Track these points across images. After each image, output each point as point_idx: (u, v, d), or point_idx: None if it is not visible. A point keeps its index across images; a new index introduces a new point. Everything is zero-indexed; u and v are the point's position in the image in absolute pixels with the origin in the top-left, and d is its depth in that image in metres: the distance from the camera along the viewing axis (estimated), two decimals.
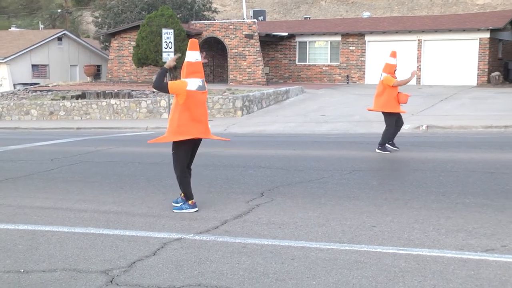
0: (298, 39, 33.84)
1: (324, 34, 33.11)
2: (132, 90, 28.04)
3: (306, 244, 5.57)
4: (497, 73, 28.49)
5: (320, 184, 8.56)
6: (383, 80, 11.63)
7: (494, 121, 16.97)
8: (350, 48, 32.39)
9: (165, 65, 7.00)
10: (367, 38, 31.98)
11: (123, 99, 25.70)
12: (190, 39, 7.00)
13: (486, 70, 29.23)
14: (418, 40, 30.61)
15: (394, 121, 11.68)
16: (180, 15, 42.74)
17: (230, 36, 32.14)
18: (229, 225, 6.42)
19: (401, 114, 11.98)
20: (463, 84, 29.23)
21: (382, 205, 7.04)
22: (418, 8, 61.43)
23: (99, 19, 40.60)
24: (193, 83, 6.83)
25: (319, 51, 33.68)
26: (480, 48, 29.25)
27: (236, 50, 32.10)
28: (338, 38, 32.81)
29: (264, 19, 41.40)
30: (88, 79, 36.40)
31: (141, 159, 11.93)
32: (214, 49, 34.88)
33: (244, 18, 37.28)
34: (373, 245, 5.46)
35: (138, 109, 24.98)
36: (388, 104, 11.59)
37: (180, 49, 30.50)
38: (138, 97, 26.76)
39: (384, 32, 31.42)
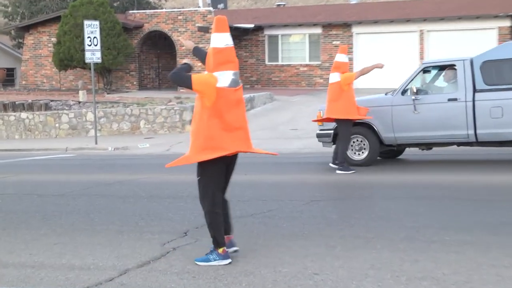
0: (267, 32, 33.98)
1: (300, 25, 33.30)
2: (51, 101, 27.86)
3: None
4: None
5: (264, 219, 8.51)
6: (341, 81, 12.08)
7: None
8: (334, 42, 32.56)
9: (188, 61, 6.60)
10: (354, 29, 32.22)
11: (38, 112, 25.48)
12: (216, 17, 6.44)
13: None
14: (420, 31, 30.92)
15: (350, 131, 12.22)
16: (118, 2, 42.76)
17: (180, 29, 32.15)
18: (128, 276, 6.26)
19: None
20: None
21: (335, 246, 6.96)
22: None
23: (9, 8, 40.36)
24: (225, 77, 6.27)
25: (295, 48, 33.82)
26: (499, 40, 29.57)
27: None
28: (318, 31, 33.00)
29: (226, 7, 41.62)
30: None
31: (43, 190, 11.86)
32: (160, 46, 34.86)
33: (199, 6, 37.43)
34: None
35: (57, 125, 24.79)
36: (347, 109, 12.16)
37: (115, 46, 30.52)
38: (58, 109, 26.55)
39: (375, 22, 31.69)
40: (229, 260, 6.45)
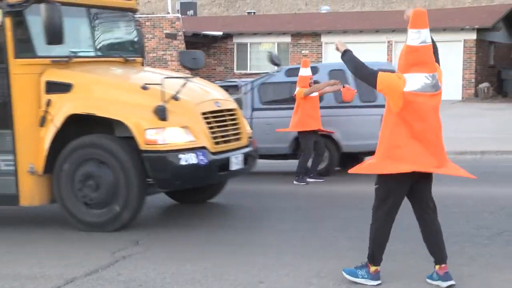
0: (236, 40, 34.19)
1: (269, 34, 33.57)
2: None
3: None
4: (485, 84, 29.30)
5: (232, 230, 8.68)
6: (296, 95, 12.15)
7: (472, 145, 17.40)
8: (303, 51, 32.86)
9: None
10: (324, 39, 32.53)
11: None
12: (414, 10, 5.75)
13: (473, 80, 30.04)
14: (388, 41, 31.33)
15: (311, 144, 12.05)
16: None
17: (147, 35, 32.14)
18: (74, 284, 6.37)
19: (320, 139, 12.41)
20: (445, 98, 29.68)
21: (287, 253, 7.15)
22: (397, 1, 62.83)
23: None
24: (415, 80, 5.64)
25: (264, 56, 33.96)
26: (465, 53, 30.07)
27: (154, 54, 32.13)
28: (287, 39, 33.27)
29: (195, 13, 41.72)
30: None
31: None
32: None
33: (168, 13, 37.50)
34: None
35: None
36: (301, 122, 12.06)
37: None
38: None
39: (345, 32, 32.01)
40: (379, 282, 5.99)
